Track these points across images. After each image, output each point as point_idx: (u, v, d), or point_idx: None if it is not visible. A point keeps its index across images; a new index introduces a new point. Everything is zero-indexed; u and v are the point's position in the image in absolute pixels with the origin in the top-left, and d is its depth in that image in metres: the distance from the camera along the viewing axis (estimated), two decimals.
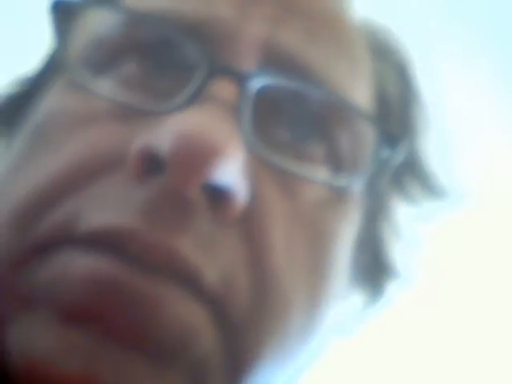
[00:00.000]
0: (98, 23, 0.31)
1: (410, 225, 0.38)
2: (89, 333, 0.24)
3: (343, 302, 0.35)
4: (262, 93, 0.28)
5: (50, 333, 0.24)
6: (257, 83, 0.28)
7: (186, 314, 0.25)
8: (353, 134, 0.31)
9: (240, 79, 0.28)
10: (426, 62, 0.39)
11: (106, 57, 0.30)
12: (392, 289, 0.39)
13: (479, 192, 0.40)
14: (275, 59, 0.29)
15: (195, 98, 0.27)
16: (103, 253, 0.25)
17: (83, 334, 0.24)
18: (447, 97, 0.39)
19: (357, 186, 0.31)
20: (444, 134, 0.39)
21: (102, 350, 0.24)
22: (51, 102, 0.30)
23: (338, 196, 0.30)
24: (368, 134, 0.31)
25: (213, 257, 0.25)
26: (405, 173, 0.37)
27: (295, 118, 0.30)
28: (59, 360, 0.24)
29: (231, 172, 0.25)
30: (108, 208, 0.25)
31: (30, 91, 0.35)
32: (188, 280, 0.25)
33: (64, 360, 0.24)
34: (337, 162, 0.30)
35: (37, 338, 0.24)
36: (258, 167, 0.28)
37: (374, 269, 0.37)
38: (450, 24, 0.95)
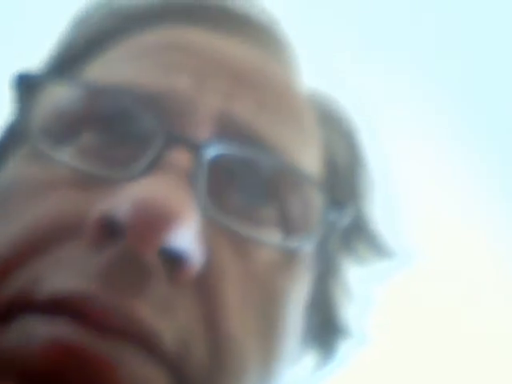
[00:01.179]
0: (58, 96, 0.31)
1: (361, 285, 0.40)
2: None
3: (297, 362, 0.36)
4: (216, 161, 0.29)
5: None
6: (211, 152, 0.29)
7: (145, 378, 0.25)
8: (302, 199, 0.32)
9: (195, 148, 0.29)
10: (372, 128, 0.41)
11: (66, 128, 0.31)
12: (345, 349, 0.39)
13: (424, 252, 0.41)
14: (229, 129, 0.30)
15: (152, 167, 0.28)
16: (62, 319, 0.25)
17: None
18: (393, 160, 0.41)
19: (307, 247, 0.32)
20: (390, 197, 0.40)
21: None
22: (12, 171, 0.31)
23: (290, 257, 0.31)
24: (316, 199, 0.32)
25: (170, 319, 0.26)
26: (353, 234, 0.38)
27: (248, 184, 0.31)
28: None
29: (186, 237, 0.26)
30: (67, 274, 0.26)
31: None
32: (146, 343, 0.25)
33: None
34: (288, 225, 0.32)
35: None
36: (213, 231, 0.29)
37: (325, 330, 0.38)
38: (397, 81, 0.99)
